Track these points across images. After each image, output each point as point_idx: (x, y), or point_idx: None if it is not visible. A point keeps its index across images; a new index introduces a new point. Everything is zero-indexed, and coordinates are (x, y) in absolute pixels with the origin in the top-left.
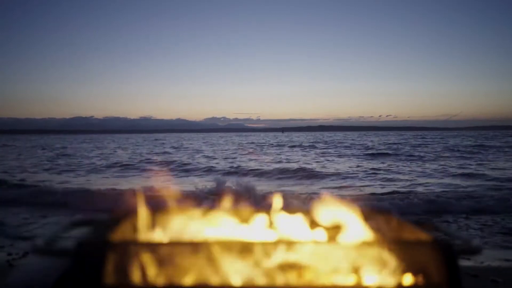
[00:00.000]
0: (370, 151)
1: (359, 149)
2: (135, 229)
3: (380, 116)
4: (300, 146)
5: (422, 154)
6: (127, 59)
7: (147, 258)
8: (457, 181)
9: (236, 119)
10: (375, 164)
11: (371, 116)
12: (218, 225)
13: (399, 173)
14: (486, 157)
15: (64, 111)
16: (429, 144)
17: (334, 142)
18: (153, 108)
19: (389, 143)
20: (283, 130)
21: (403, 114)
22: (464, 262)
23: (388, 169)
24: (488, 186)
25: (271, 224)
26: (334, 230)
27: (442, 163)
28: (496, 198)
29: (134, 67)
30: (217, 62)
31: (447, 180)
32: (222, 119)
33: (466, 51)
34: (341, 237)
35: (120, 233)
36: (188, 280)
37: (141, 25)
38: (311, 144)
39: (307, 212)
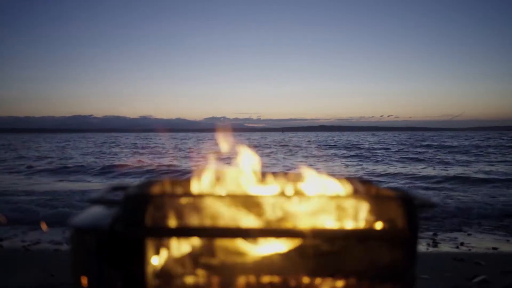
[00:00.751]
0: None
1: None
2: (164, 187)
3: (381, 116)
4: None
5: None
6: (127, 57)
7: (176, 206)
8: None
9: (236, 119)
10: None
11: (372, 116)
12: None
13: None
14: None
15: (63, 110)
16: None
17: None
18: (153, 108)
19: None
20: (283, 130)
21: (404, 115)
22: (453, 250)
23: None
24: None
25: (272, 183)
26: (324, 188)
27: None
28: None
29: (134, 66)
30: (217, 62)
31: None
32: (222, 118)
33: (468, 51)
34: (328, 192)
35: (155, 190)
36: (206, 223)
37: (140, 24)
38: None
39: (298, 176)
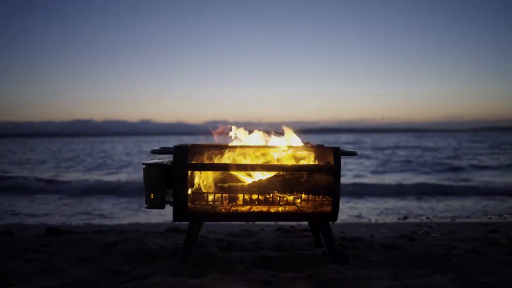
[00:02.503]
0: None
1: None
2: (195, 144)
3: (382, 118)
4: None
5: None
6: (127, 61)
7: (202, 153)
8: None
9: (236, 122)
10: None
11: (373, 118)
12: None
13: None
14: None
15: (63, 114)
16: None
17: None
18: (152, 111)
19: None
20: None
21: (405, 116)
22: (417, 220)
23: None
24: None
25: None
26: (289, 141)
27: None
28: None
29: (133, 70)
30: (217, 65)
31: None
32: (222, 122)
33: (469, 52)
34: (292, 144)
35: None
36: (225, 161)
37: (140, 28)
38: None
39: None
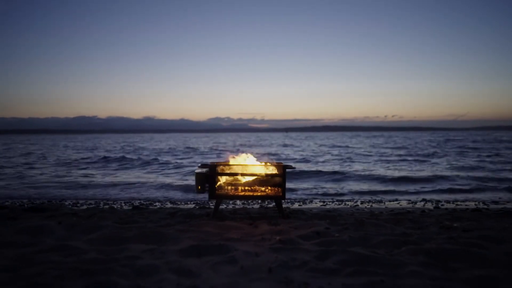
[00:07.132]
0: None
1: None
2: (219, 162)
3: (386, 116)
4: None
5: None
6: (131, 59)
7: (223, 168)
8: None
9: (240, 119)
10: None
11: (377, 117)
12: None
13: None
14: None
15: (67, 111)
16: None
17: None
18: (156, 108)
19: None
20: (286, 130)
21: (409, 115)
22: (362, 206)
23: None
24: None
25: (244, 161)
26: (261, 162)
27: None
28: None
29: (138, 67)
30: (222, 63)
31: None
32: (226, 119)
33: (473, 51)
34: (261, 162)
35: (217, 163)
36: (232, 171)
37: (145, 26)
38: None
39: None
